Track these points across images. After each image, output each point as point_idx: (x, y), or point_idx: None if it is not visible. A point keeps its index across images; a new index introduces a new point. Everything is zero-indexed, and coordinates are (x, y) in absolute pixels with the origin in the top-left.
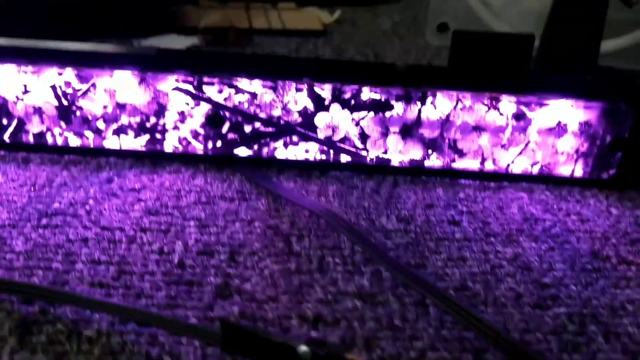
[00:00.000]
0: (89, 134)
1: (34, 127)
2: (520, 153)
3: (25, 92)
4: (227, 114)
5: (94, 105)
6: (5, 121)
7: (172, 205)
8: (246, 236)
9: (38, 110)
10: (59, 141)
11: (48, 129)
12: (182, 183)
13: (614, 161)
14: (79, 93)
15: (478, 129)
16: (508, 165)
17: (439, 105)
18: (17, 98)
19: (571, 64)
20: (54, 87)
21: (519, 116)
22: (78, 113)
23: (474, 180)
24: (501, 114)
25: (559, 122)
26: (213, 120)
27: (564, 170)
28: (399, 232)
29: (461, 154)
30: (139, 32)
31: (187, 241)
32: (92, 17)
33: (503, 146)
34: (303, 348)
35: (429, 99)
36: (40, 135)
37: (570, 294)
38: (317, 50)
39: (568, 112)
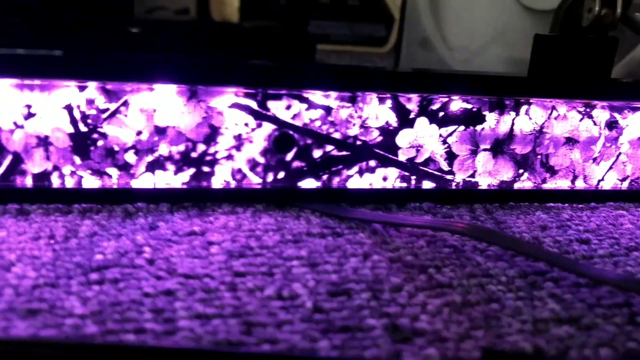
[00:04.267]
0: (112, 171)
1: (35, 165)
2: (611, 167)
3: (29, 116)
4: (296, 136)
5: (123, 131)
6: None
7: (257, 246)
8: (374, 272)
9: (43, 141)
10: (69, 183)
11: (55, 167)
12: (250, 223)
13: None
14: (104, 115)
15: (570, 141)
16: (598, 181)
17: (533, 115)
18: (16, 125)
19: None
20: (69, 108)
21: (611, 124)
22: (100, 143)
23: (563, 202)
24: (595, 123)
25: None
26: (281, 143)
27: None
28: None
29: (553, 171)
30: None
31: (306, 282)
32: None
33: (594, 160)
34: None
35: (523, 109)
36: (42, 177)
37: None
38: None
39: None
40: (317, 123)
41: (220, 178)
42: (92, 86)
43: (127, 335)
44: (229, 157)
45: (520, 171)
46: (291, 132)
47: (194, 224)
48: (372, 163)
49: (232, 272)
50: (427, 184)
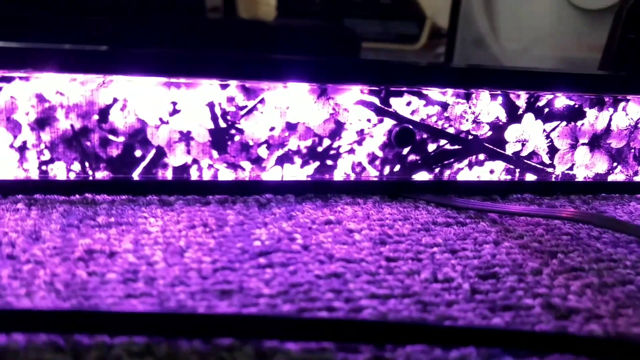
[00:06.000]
0: (246, 164)
1: (177, 159)
2: None
3: (174, 112)
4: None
5: (258, 127)
6: (138, 153)
7: (394, 234)
8: (511, 257)
9: (186, 136)
10: (207, 176)
11: (194, 161)
12: (376, 213)
13: None
14: (242, 112)
15: None
16: None
17: (630, 111)
18: (161, 121)
19: None
20: (211, 105)
21: None
22: (237, 138)
23: None
24: None
25: None
26: (402, 137)
27: None
28: None
29: None
30: None
31: (454, 266)
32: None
33: None
34: None
35: (621, 105)
36: (181, 170)
37: None
38: None
39: None
40: (434, 119)
41: (342, 171)
42: (233, 84)
43: (320, 313)
44: (351, 151)
45: (614, 164)
46: (411, 127)
47: (326, 214)
48: (482, 156)
49: (384, 257)
50: (529, 177)
